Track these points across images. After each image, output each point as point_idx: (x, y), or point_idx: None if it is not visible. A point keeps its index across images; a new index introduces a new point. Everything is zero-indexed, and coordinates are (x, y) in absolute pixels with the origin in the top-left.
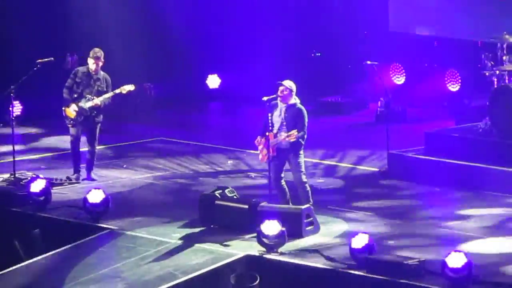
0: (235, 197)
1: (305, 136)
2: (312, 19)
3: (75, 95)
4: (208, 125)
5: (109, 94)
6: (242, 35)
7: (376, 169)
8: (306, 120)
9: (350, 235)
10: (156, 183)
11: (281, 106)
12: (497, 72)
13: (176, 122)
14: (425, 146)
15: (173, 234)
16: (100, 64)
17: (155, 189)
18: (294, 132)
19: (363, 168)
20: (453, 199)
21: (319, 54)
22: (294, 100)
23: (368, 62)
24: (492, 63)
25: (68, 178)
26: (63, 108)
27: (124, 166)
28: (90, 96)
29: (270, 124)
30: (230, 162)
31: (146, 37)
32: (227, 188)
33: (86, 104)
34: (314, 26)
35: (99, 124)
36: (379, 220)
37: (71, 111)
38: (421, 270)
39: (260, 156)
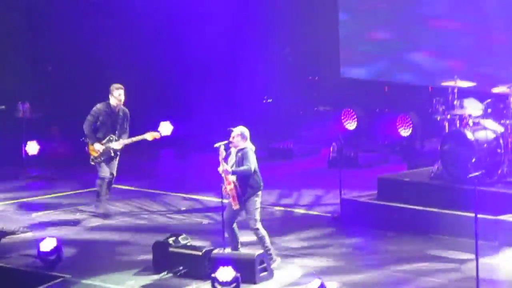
0: (188, 243)
1: (256, 177)
2: (262, 66)
3: (99, 134)
4: (161, 172)
5: (136, 138)
6: (194, 82)
7: (329, 215)
8: (251, 158)
9: (304, 281)
10: (110, 230)
11: (233, 152)
12: (448, 116)
13: (128, 169)
14: (378, 191)
15: (128, 282)
16: (123, 98)
17: (109, 236)
18: (231, 178)
19: (316, 213)
20: (405, 243)
21: (270, 100)
22: (246, 144)
23: (321, 108)
24: (443, 107)
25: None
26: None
27: (78, 213)
28: (114, 136)
29: None
30: (183, 208)
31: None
32: (181, 235)
33: (113, 145)
34: (264, 73)
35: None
36: (333, 266)
37: (94, 149)
38: None
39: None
